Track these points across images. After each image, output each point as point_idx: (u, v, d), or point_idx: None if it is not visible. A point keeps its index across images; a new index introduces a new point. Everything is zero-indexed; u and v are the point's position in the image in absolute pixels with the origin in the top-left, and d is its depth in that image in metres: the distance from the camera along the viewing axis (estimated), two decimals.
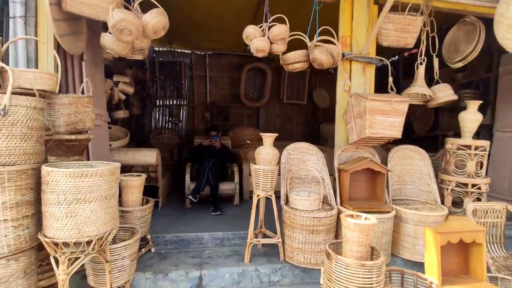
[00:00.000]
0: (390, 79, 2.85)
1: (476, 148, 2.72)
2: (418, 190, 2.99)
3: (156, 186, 3.90)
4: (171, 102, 7.07)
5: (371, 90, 3.00)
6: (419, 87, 2.82)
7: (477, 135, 4.83)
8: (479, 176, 2.74)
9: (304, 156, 2.97)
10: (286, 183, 2.81)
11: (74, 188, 1.45)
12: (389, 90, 2.85)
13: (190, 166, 4.30)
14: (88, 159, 2.77)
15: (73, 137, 2.16)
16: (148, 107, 6.60)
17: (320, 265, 2.48)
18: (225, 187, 4.15)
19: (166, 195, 4.51)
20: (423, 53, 2.96)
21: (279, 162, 2.68)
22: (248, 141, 5.91)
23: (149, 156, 3.61)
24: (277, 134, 2.63)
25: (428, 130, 5.99)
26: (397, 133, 2.48)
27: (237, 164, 4.58)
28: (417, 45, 3.15)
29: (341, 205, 2.66)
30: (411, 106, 2.73)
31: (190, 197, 3.82)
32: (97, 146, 2.95)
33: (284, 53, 2.80)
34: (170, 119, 6.94)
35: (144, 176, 2.67)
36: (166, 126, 7.08)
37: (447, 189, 2.86)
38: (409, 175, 3.01)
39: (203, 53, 7.13)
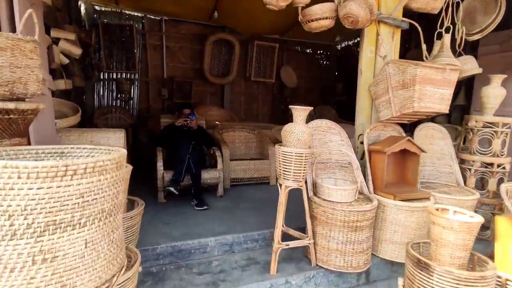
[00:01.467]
0: (424, 47, 2.45)
1: (504, 125, 2.53)
2: (438, 172, 2.73)
3: None
4: (120, 75, 5.86)
5: None
6: (446, 57, 2.49)
7: (449, 116, 4.89)
8: (502, 155, 2.57)
9: (326, 136, 2.44)
10: (313, 169, 2.26)
11: (49, 202, 0.68)
12: (424, 59, 2.45)
13: (161, 151, 3.46)
14: (29, 143, 1.83)
15: (11, 106, 1.27)
16: (92, 80, 5.34)
17: (361, 267, 2.04)
18: (208, 176, 3.43)
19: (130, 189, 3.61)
20: (448, 19, 2.62)
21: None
22: (217, 122, 5.19)
23: (114, 139, 2.70)
24: (311, 108, 2.04)
25: None
26: (446, 107, 2.11)
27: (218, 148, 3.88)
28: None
29: (374, 193, 2.24)
30: None
31: (172, 189, 3.03)
32: (41, 124, 2.00)
33: (306, 6, 2.19)
34: (119, 95, 5.77)
35: (130, 166, 1.86)
36: (114, 104, 5.88)
37: (469, 169, 2.64)
38: (428, 155, 2.72)
39: (158, 18, 6.01)
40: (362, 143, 2.51)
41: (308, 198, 2.13)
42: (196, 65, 6.37)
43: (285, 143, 1.97)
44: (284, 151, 1.92)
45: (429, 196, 2.24)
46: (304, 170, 1.94)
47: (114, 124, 5.47)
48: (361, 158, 2.52)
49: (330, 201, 2.02)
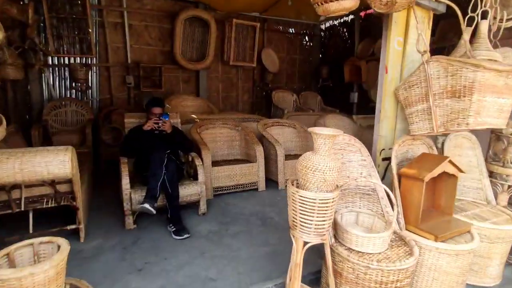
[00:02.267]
0: (466, 37, 1.89)
1: None
2: (463, 187, 2.30)
3: (72, 206, 2.30)
4: (72, 60, 4.88)
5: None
6: (484, 51, 1.97)
7: None
8: None
9: (344, 155, 1.88)
10: None
11: None
12: (469, 53, 1.90)
13: (126, 163, 2.75)
14: None
15: None
16: (36, 68, 4.35)
17: None
18: (188, 192, 2.79)
19: (88, 210, 2.90)
20: (483, 1, 2.08)
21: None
22: (194, 116, 4.48)
23: (57, 164, 1.97)
24: (339, 134, 1.44)
25: None
26: (504, 122, 1.61)
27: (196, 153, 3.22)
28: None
29: (406, 228, 1.75)
30: None
31: (147, 206, 2.39)
32: None
33: None
34: (74, 85, 4.83)
35: (60, 260, 1.20)
36: (69, 96, 4.93)
37: (502, 185, 2.23)
38: None
39: None
40: (384, 159, 1.99)
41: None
42: (166, 48, 5.49)
43: (304, 183, 1.37)
44: (304, 197, 1.33)
45: (470, 228, 1.79)
46: (330, 219, 1.38)
47: (69, 120, 4.58)
48: (383, 178, 2.01)
49: (359, 252, 1.50)
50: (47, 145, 4.13)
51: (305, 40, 7.16)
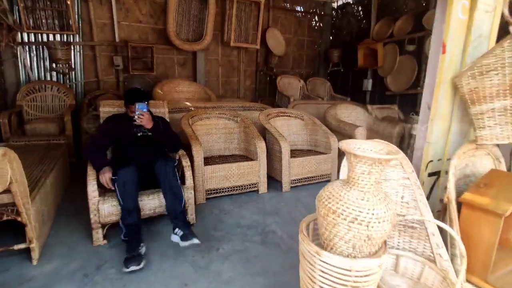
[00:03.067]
0: None
1: None
2: None
3: (19, 222, 1.78)
4: (51, 38, 4.27)
5: (495, 29, 1.42)
6: None
7: None
8: None
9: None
10: None
11: None
12: None
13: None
14: None
15: None
16: (2, 45, 3.75)
17: None
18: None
19: (53, 218, 2.39)
20: None
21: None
22: (188, 103, 3.91)
23: None
24: (396, 151, 0.87)
25: (407, 86, 4.93)
26: None
27: (184, 149, 2.67)
28: None
29: (468, 280, 1.21)
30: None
31: (134, 267, 1.80)
32: None
33: None
34: (54, 65, 4.24)
35: None
36: (49, 78, 4.36)
37: None
38: None
39: None
40: (431, 175, 1.43)
41: None
42: (159, 25, 4.86)
43: (328, 239, 0.81)
44: (329, 265, 0.78)
45: None
46: None
47: (46, 106, 4.03)
48: (427, 197, 1.46)
49: None
50: (18, 135, 3.63)
51: (315, 20, 6.44)
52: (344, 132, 3.63)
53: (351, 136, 3.55)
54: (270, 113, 3.65)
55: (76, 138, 3.90)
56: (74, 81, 4.50)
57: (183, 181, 2.34)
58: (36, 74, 4.27)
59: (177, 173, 2.19)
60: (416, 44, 4.71)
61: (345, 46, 6.15)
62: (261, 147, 3.02)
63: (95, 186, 2.03)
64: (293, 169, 3.16)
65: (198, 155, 2.74)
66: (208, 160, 3.11)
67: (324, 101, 5.19)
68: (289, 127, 3.77)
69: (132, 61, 4.62)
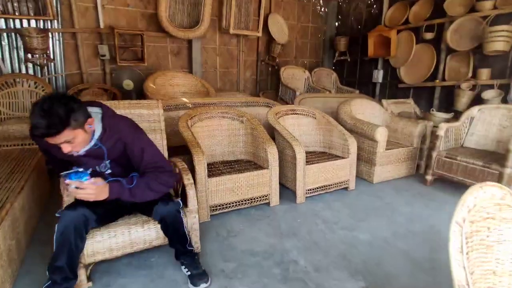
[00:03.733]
0: None
1: None
2: None
3: None
4: (25, 24, 3.70)
5: None
6: None
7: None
8: None
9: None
10: None
11: None
12: None
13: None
14: None
15: None
16: None
17: None
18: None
19: (26, 247, 1.93)
20: None
21: None
22: (185, 100, 3.44)
23: None
24: None
25: (423, 78, 4.52)
26: None
27: (181, 153, 2.23)
28: None
29: None
30: None
31: None
32: None
33: None
34: (30, 56, 3.69)
35: None
36: (23, 71, 3.81)
37: None
38: None
39: None
40: None
41: None
42: (149, 9, 4.30)
43: None
44: None
45: None
46: None
47: (21, 103, 3.51)
48: None
49: None
50: None
51: (319, 4, 5.92)
52: (361, 132, 3.22)
53: (370, 137, 3.14)
54: (279, 111, 3.21)
55: None
56: (54, 73, 3.96)
57: (184, 202, 1.91)
58: (9, 66, 3.71)
59: (183, 221, 1.71)
60: (435, 32, 4.27)
61: (352, 33, 5.68)
62: (272, 153, 2.59)
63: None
64: (308, 178, 2.75)
65: (201, 166, 2.30)
66: (211, 168, 2.68)
67: (332, 94, 4.76)
68: (300, 127, 3.34)
69: (119, 51, 4.08)
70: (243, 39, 5.13)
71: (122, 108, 2.27)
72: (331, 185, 2.92)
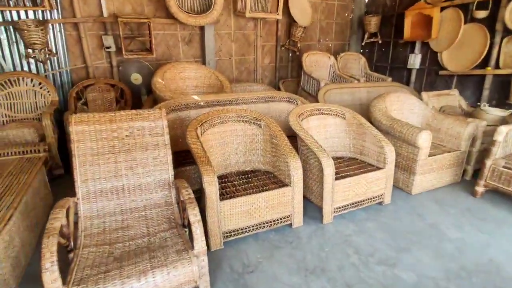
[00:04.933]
0: None
1: None
2: None
3: None
4: (21, 15, 3.37)
5: None
6: None
7: None
8: None
9: None
10: None
11: None
12: None
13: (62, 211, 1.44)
14: None
15: None
16: None
17: None
18: (173, 279, 1.50)
19: (22, 274, 1.70)
20: None
21: None
22: (196, 98, 3.06)
23: None
24: None
25: (472, 65, 3.85)
26: None
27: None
28: None
29: None
30: None
31: None
32: None
33: None
34: (31, 52, 3.39)
35: None
36: (26, 68, 3.53)
37: None
38: None
39: None
40: None
41: None
42: None
43: None
44: None
45: None
46: None
47: (22, 105, 3.25)
48: None
49: None
50: None
51: None
52: (400, 136, 2.74)
53: (411, 142, 2.66)
54: (303, 112, 2.76)
55: (63, 142, 3.17)
56: (57, 68, 3.66)
57: (188, 230, 1.58)
58: (10, 62, 3.43)
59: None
60: (489, 9, 3.57)
61: (385, 11, 4.97)
62: (296, 168, 2.19)
63: (56, 273, 1.29)
64: (337, 194, 2.34)
65: (212, 187, 1.94)
66: (224, 181, 2.34)
67: (361, 83, 4.20)
68: (327, 128, 2.90)
69: (125, 41, 3.70)
70: (260, 22, 4.59)
71: (119, 121, 1.93)
72: (363, 200, 2.50)
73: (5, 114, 3.16)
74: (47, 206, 2.48)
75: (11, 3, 3.20)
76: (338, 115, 2.90)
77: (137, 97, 3.93)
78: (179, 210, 1.94)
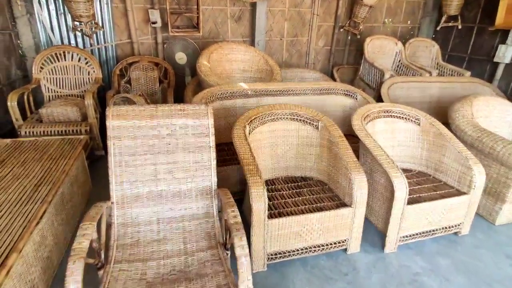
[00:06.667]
0: None
1: None
2: None
3: None
4: None
5: None
6: None
7: None
8: None
9: None
10: None
11: None
12: None
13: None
14: None
15: None
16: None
17: None
18: None
19: (54, 276, 1.58)
20: None
21: None
22: (244, 86, 2.73)
23: None
24: None
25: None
26: None
27: (229, 192, 1.60)
28: None
29: None
30: None
31: None
32: None
33: None
34: (75, 25, 3.22)
35: None
36: (72, 41, 3.40)
37: None
38: None
39: None
40: None
41: None
42: None
43: None
44: None
45: None
46: None
47: (68, 80, 3.14)
48: None
49: None
50: (33, 123, 2.76)
51: None
52: (489, 152, 2.19)
53: (504, 163, 2.11)
54: (368, 114, 2.30)
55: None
56: (103, 43, 3.48)
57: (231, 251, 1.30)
58: (58, 35, 3.31)
59: None
60: None
61: None
62: (361, 187, 1.80)
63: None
64: (405, 221, 1.92)
65: (260, 203, 1.63)
66: (270, 188, 2.03)
67: (433, 77, 3.55)
68: (394, 134, 2.42)
69: (171, 17, 3.40)
70: None
71: (161, 117, 1.65)
72: (436, 230, 2.06)
73: (51, 89, 3.07)
74: (85, 193, 2.36)
75: None
76: (411, 120, 2.39)
77: (181, 77, 3.68)
78: (220, 225, 1.67)
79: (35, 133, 2.63)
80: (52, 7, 3.20)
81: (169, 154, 1.68)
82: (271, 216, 1.75)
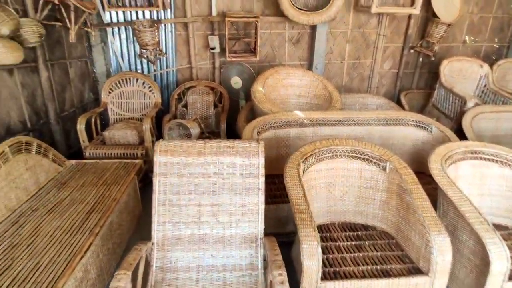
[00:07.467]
0: None
1: None
2: None
3: None
4: (135, 16, 3.40)
5: None
6: None
7: None
8: None
9: None
10: None
11: None
12: None
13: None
14: None
15: None
16: (78, 31, 3.04)
17: None
18: None
19: None
20: None
21: None
22: (299, 114, 2.53)
23: None
24: None
25: None
26: None
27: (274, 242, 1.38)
28: None
29: None
30: None
31: None
32: None
33: None
34: (142, 52, 3.41)
35: None
36: (138, 68, 3.61)
37: None
38: None
39: None
40: None
41: None
42: None
43: None
44: None
45: None
46: None
47: (131, 105, 3.30)
48: None
49: None
50: (97, 144, 2.93)
51: None
52: None
53: None
54: (451, 155, 1.90)
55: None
56: (165, 68, 3.63)
57: None
58: (127, 62, 3.55)
59: None
60: None
61: None
62: (443, 252, 1.43)
63: None
64: None
65: (313, 262, 1.38)
66: (325, 236, 1.77)
67: None
68: (484, 181, 1.96)
69: (229, 42, 3.40)
70: (387, 18, 3.68)
71: (209, 154, 1.53)
72: None
73: (116, 112, 3.26)
74: (135, 219, 2.36)
75: (132, 3, 3.23)
76: (507, 164, 1.91)
77: (235, 101, 3.64)
78: (265, 278, 1.46)
79: (98, 154, 2.77)
80: (123, 36, 3.45)
81: (215, 195, 1.54)
82: (325, 276, 1.48)
